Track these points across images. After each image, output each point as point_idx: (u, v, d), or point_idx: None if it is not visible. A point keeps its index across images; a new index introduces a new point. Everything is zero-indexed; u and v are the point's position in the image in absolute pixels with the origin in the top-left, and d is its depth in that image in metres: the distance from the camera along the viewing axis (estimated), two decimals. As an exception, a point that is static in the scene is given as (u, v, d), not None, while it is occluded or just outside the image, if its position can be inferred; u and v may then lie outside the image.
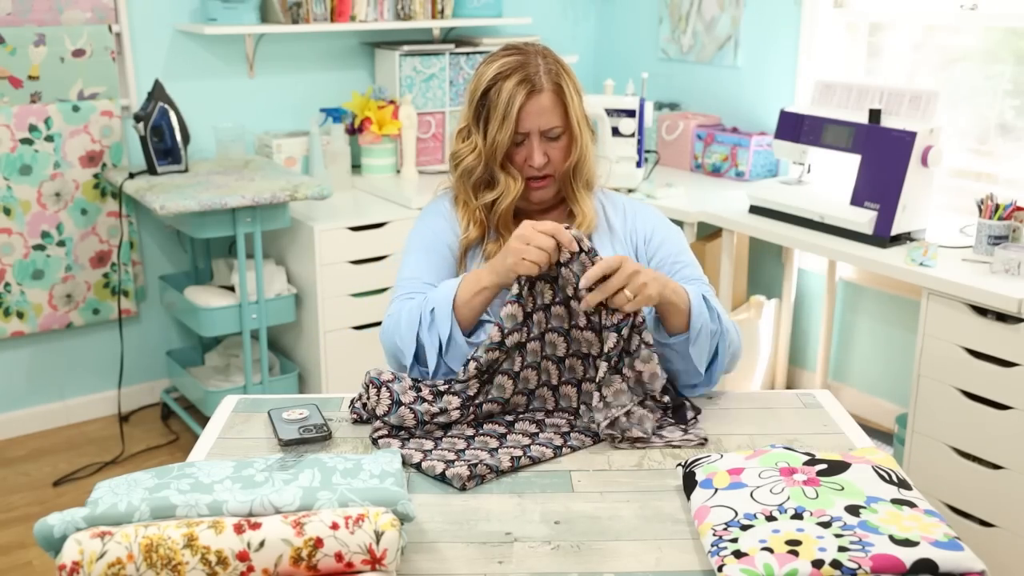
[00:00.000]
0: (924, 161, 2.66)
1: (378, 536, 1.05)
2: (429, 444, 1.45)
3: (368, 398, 1.52)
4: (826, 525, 1.10)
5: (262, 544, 1.03)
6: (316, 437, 1.46)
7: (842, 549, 1.05)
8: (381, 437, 1.47)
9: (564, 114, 1.68)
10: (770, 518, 1.13)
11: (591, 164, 1.74)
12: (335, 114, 3.67)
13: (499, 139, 1.65)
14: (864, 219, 2.73)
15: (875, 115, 2.76)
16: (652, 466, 1.41)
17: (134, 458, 3.28)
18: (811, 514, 1.13)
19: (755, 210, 3.06)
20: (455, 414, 1.49)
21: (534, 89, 1.64)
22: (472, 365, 1.49)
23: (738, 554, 1.07)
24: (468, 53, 3.83)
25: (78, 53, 3.24)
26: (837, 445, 1.47)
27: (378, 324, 3.35)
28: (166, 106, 3.15)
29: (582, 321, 1.52)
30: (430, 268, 1.70)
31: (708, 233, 3.46)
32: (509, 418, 1.53)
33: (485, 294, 1.55)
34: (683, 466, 1.32)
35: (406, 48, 3.70)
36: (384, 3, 3.65)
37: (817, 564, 1.03)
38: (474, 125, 1.70)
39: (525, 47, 1.70)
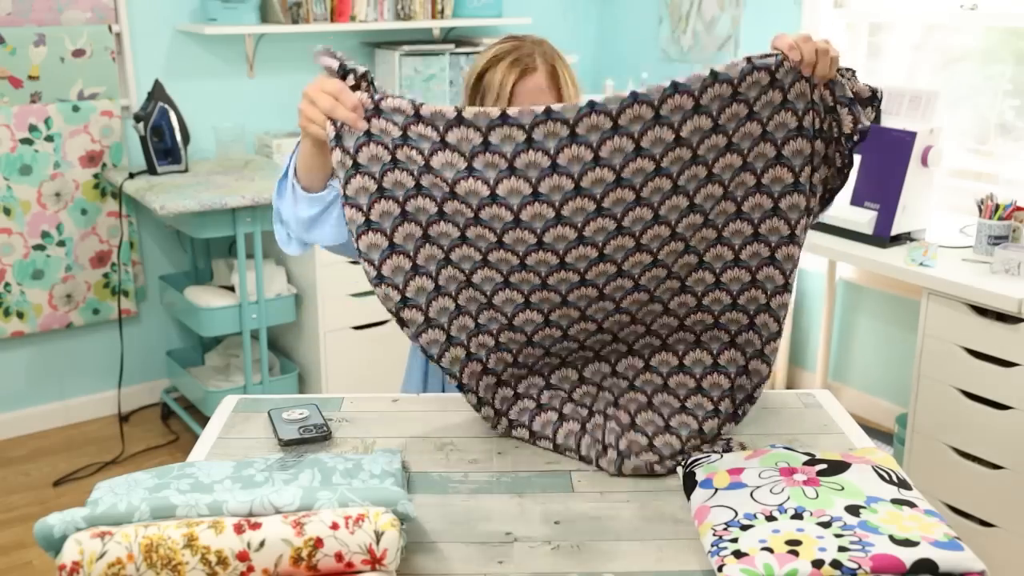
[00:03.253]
0: (924, 161, 2.66)
1: (378, 536, 1.05)
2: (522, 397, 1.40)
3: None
4: (826, 525, 1.10)
5: (262, 544, 1.03)
6: (316, 437, 1.46)
7: (842, 549, 1.05)
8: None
9: (559, 96, 1.65)
10: (770, 518, 1.13)
11: None
12: (335, 114, 3.67)
13: None
14: (864, 219, 2.73)
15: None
16: (652, 466, 1.40)
17: (134, 458, 3.28)
18: (811, 514, 1.13)
19: (755, 210, 3.06)
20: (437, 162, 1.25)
21: (528, 68, 1.63)
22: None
23: (738, 554, 1.07)
24: (468, 53, 3.83)
25: (78, 53, 3.24)
26: (837, 445, 1.46)
27: (378, 324, 3.36)
28: (166, 106, 3.15)
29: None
30: None
31: (708, 233, 3.46)
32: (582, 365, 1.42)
33: (311, 159, 1.39)
34: (683, 466, 1.32)
35: (406, 48, 3.70)
36: (384, 3, 3.65)
37: (817, 564, 1.03)
38: None
39: (522, 36, 1.70)
